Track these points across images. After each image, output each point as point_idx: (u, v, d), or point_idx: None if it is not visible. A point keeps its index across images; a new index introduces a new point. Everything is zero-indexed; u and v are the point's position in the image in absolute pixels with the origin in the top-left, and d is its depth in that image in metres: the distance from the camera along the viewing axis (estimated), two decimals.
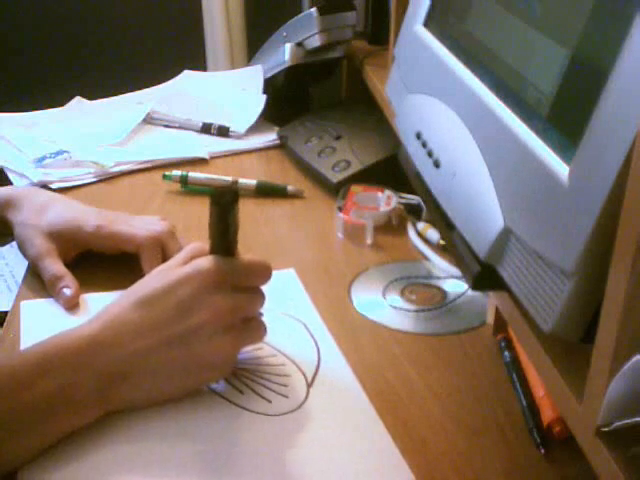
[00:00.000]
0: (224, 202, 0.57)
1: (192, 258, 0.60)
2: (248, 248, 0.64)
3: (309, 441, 0.56)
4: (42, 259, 0.74)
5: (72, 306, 0.72)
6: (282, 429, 0.57)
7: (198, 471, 0.53)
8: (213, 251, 0.59)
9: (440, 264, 0.80)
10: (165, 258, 0.74)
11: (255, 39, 1.41)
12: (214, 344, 0.57)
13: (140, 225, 0.77)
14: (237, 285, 0.59)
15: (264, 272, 0.60)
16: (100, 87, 1.24)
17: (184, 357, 0.56)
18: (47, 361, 0.53)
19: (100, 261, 0.77)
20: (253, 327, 0.60)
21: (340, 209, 0.88)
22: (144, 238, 0.75)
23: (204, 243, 0.61)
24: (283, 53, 1.16)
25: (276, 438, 0.56)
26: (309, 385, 0.61)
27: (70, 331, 0.56)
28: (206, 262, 0.58)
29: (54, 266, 0.74)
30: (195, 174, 0.99)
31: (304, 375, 0.62)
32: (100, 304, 0.71)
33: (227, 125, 1.16)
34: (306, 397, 0.60)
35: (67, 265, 0.76)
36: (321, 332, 0.68)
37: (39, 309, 0.72)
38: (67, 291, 0.72)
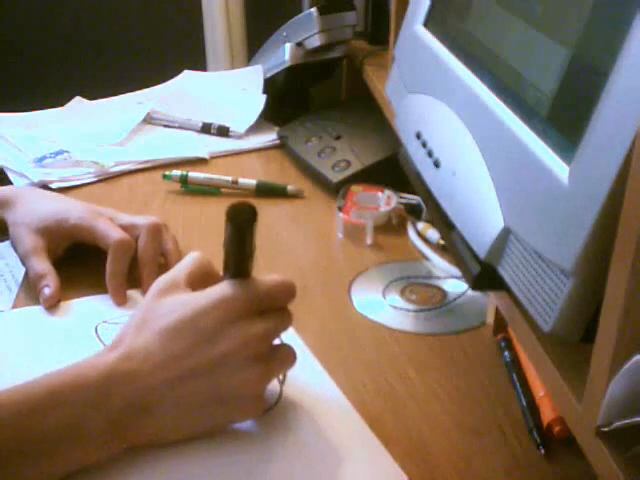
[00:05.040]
0: (241, 221, 0.51)
1: (199, 272, 0.57)
2: None
3: (291, 442, 0.55)
4: (29, 257, 0.74)
5: (51, 306, 0.71)
6: (261, 430, 0.56)
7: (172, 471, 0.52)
8: (227, 272, 0.55)
9: (440, 264, 0.80)
10: (136, 260, 0.75)
11: (255, 39, 1.41)
12: (240, 376, 0.53)
13: (124, 223, 0.77)
14: (261, 309, 0.55)
15: (287, 291, 0.56)
16: (100, 87, 1.24)
17: (207, 390, 0.53)
18: (58, 393, 0.50)
19: (92, 261, 0.77)
20: (281, 355, 0.56)
21: (340, 209, 0.88)
22: (114, 240, 0.73)
23: (208, 252, 0.59)
24: (283, 53, 1.16)
25: (255, 440, 0.55)
26: (281, 383, 0.60)
27: (86, 362, 0.53)
28: (226, 289, 0.54)
29: (39, 265, 0.74)
30: (195, 174, 0.99)
31: None
32: (85, 309, 0.72)
33: (227, 125, 1.16)
34: (280, 395, 0.59)
35: (60, 262, 0.76)
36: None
37: (12, 319, 0.71)
38: (47, 290, 0.72)
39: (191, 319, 0.53)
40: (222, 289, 0.54)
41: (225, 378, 0.53)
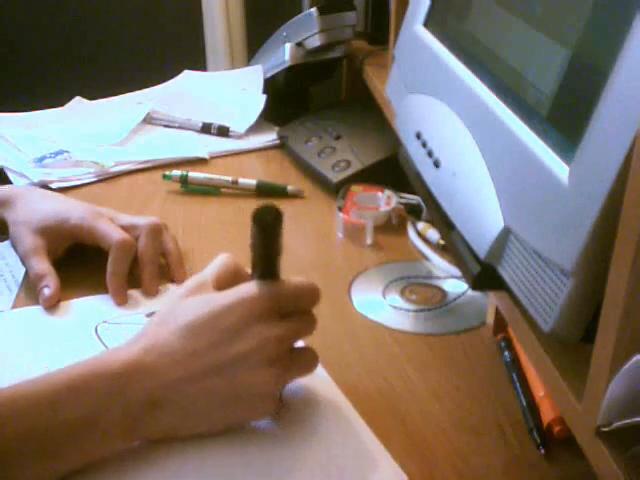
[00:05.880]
0: (267, 222, 0.52)
1: (226, 274, 0.58)
2: (247, 248, 0.64)
3: (290, 442, 0.55)
4: (29, 257, 0.74)
5: (51, 306, 0.71)
6: (260, 429, 0.56)
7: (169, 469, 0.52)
8: (255, 273, 0.56)
9: (440, 264, 0.80)
10: (136, 261, 0.75)
11: (255, 39, 1.41)
12: (256, 376, 0.53)
13: (125, 224, 0.77)
14: (284, 311, 0.55)
15: (312, 295, 0.57)
16: (100, 87, 1.24)
17: (223, 388, 0.53)
18: (76, 386, 0.51)
19: (92, 261, 0.77)
20: (301, 359, 0.57)
21: (340, 209, 0.88)
22: (115, 240, 0.74)
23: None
24: (283, 53, 1.16)
25: (254, 439, 0.55)
26: None
27: (107, 354, 0.54)
28: (251, 289, 0.54)
29: (39, 265, 0.74)
30: (195, 174, 0.99)
31: None
32: (86, 309, 0.72)
33: (227, 125, 1.17)
34: (280, 395, 0.59)
35: (60, 262, 0.76)
36: None
37: (12, 319, 0.71)
38: (46, 290, 0.72)
39: (212, 317, 0.53)
40: (246, 289, 0.55)
41: (241, 377, 0.53)
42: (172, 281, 0.77)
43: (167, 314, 0.56)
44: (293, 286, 0.56)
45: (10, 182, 1.00)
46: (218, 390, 0.53)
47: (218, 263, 0.59)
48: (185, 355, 0.53)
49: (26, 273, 0.76)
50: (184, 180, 0.98)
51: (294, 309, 0.56)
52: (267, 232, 0.53)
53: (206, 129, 1.17)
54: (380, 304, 0.75)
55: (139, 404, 0.51)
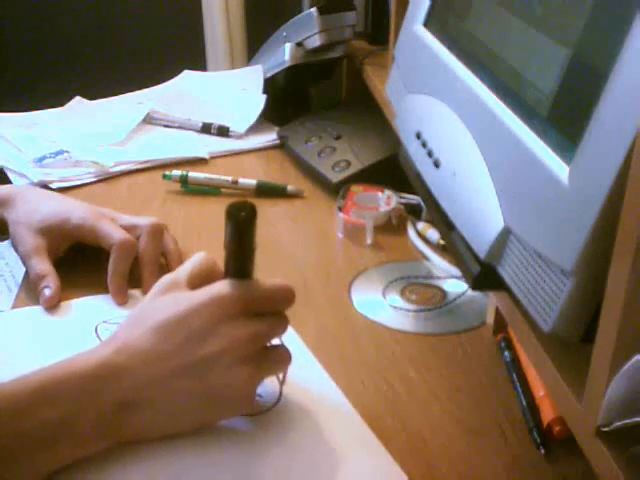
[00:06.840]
0: (241, 218, 0.51)
1: (201, 273, 0.57)
2: None
3: (290, 442, 0.55)
4: (29, 257, 0.74)
5: (52, 306, 0.71)
6: (261, 430, 0.56)
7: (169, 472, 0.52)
8: (228, 271, 0.55)
9: (440, 264, 0.80)
10: (137, 261, 0.75)
11: (255, 39, 1.41)
12: (229, 376, 0.53)
13: (125, 224, 0.77)
14: (256, 311, 0.55)
15: (286, 296, 0.56)
16: (100, 87, 1.24)
17: (196, 388, 0.52)
18: (49, 388, 0.50)
19: (92, 261, 0.77)
20: (275, 356, 0.56)
21: (340, 209, 0.88)
22: (117, 240, 0.74)
23: (208, 253, 0.59)
24: (283, 53, 1.16)
25: (256, 440, 0.55)
26: (281, 383, 0.60)
27: (79, 356, 0.53)
28: (222, 288, 0.54)
29: (39, 265, 0.73)
30: (195, 174, 0.99)
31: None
32: (86, 309, 0.72)
33: (227, 125, 1.17)
34: (280, 395, 0.59)
35: (60, 262, 0.76)
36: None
37: (12, 319, 0.71)
38: (47, 291, 0.71)
39: (183, 316, 0.53)
40: (217, 288, 0.54)
41: (214, 377, 0.53)
42: None
43: (139, 314, 0.55)
44: (266, 286, 0.55)
45: (10, 182, 1.00)
46: (190, 391, 0.52)
47: (193, 261, 0.58)
48: (156, 356, 0.52)
49: (26, 273, 0.76)
50: (184, 180, 0.98)
51: (267, 309, 0.55)
52: (241, 229, 0.52)
53: (206, 129, 1.17)
54: (380, 304, 0.75)
55: (111, 405, 0.51)
